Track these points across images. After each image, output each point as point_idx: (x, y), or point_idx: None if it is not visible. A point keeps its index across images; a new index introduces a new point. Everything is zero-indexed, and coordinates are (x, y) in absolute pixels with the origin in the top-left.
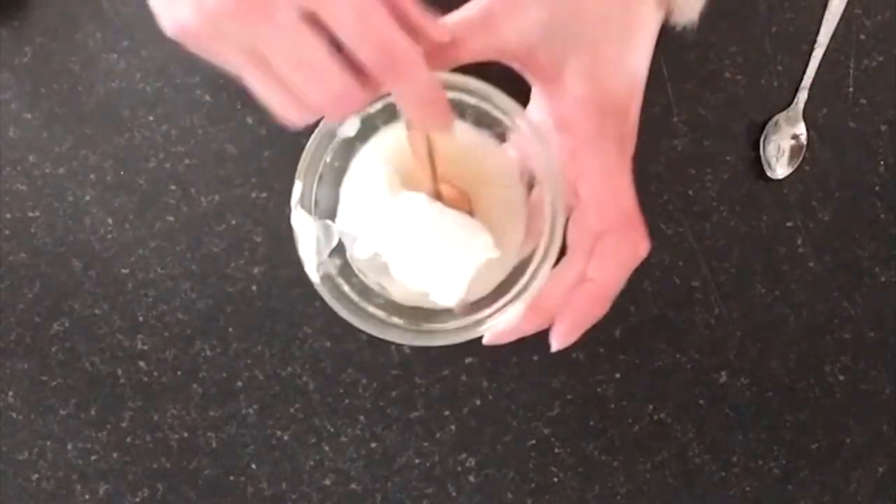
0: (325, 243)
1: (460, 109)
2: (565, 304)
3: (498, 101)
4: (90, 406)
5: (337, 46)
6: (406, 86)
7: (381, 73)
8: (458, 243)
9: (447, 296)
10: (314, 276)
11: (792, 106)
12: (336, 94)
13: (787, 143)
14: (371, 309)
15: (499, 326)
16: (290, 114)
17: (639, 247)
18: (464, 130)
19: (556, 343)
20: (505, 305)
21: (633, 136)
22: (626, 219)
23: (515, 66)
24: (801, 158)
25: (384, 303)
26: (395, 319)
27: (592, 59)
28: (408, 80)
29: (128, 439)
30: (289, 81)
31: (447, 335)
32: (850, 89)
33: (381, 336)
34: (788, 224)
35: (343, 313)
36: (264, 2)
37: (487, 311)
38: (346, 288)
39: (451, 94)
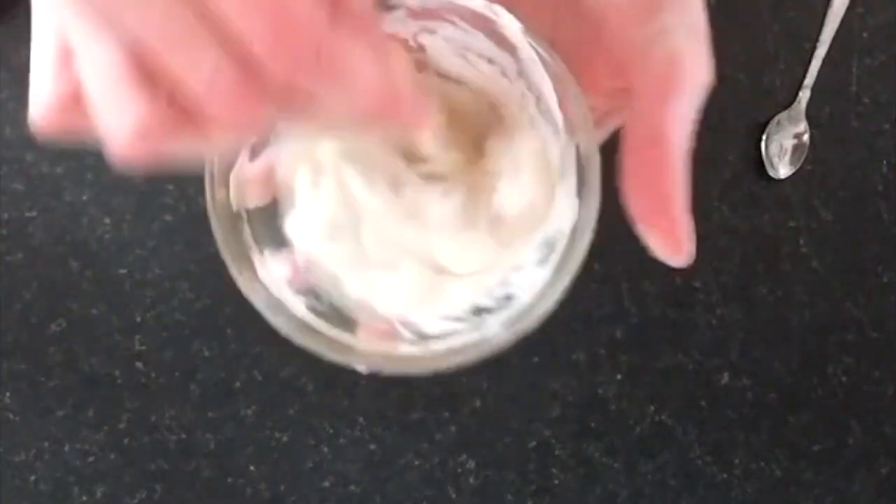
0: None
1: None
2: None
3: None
4: (88, 407)
5: None
6: (331, 89)
7: (276, 64)
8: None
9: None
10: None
11: (794, 105)
12: (230, 89)
13: (789, 143)
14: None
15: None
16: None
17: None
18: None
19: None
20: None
21: None
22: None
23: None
24: (803, 158)
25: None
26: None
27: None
28: (328, 75)
29: (125, 440)
30: (164, 65)
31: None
32: (853, 88)
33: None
34: (791, 224)
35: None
36: None
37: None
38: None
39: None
